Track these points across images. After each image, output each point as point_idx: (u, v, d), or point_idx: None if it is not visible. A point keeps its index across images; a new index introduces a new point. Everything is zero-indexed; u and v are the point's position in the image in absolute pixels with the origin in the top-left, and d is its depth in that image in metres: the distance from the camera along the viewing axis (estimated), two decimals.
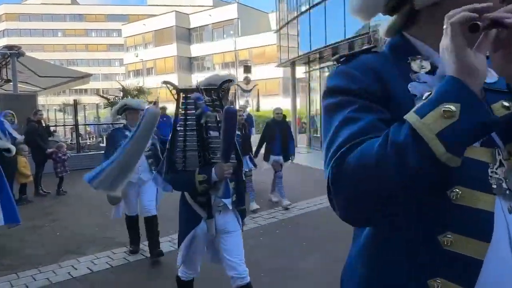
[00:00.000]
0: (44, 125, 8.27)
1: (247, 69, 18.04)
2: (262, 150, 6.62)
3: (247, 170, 5.98)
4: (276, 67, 22.27)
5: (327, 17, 13.00)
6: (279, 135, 6.39)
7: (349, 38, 11.76)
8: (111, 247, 4.54)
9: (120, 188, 3.44)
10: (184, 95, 2.48)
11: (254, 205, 6.07)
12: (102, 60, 61.85)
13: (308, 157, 12.80)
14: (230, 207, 2.51)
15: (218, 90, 2.48)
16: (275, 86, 35.00)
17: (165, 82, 2.50)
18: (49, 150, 7.51)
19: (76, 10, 62.39)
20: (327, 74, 14.78)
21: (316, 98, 15.97)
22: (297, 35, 16.04)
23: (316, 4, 13.66)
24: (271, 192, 6.69)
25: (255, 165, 6.31)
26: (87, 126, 18.60)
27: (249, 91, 16.04)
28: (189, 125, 2.45)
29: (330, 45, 12.71)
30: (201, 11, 41.11)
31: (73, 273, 3.84)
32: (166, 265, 3.99)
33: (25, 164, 6.99)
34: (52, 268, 3.94)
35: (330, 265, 3.88)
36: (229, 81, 2.54)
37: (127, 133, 4.09)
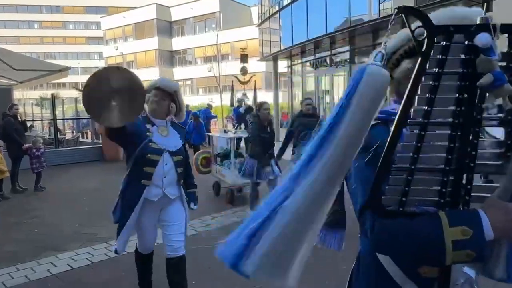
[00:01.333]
0: (20, 119, 8.00)
1: (244, 59, 15.68)
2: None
3: (272, 178, 5.36)
4: (258, 61, 22.22)
5: (308, 11, 13.05)
6: (310, 131, 5.00)
7: (330, 33, 11.84)
8: (91, 243, 4.49)
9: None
10: (443, 42, 0.96)
11: None
12: (81, 53, 60.45)
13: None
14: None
15: None
16: (258, 81, 34.82)
17: (404, 9, 0.99)
18: (25, 146, 7.31)
19: (53, 2, 60.57)
20: (309, 68, 14.90)
21: (298, 92, 16.04)
22: (279, 29, 16.05)
23: None
24: None
25: (280, 171, 5.44)
26: (68, 120, 18.22)
27: (247, 82, 14.44)
28: (438, 114, 0.98)
29: (312, 39, 12.78)
30: (182, 4, 40.55)
31: (52, 270, 3.78)
32: None
33: (0, 160, 6.81)
34: (31, 266, 3.88)
35: (311, 263, 3.93)
36: None
37: (148, 126, 2.78)
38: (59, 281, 3.55)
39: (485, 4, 8.00)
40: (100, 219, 5.41)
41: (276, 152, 5.59)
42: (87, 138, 15.89)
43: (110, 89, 2.33)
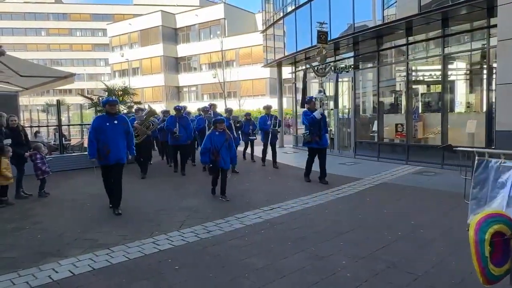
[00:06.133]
0: (21, 128, 7.71)
1: (323, 37, 9.48)
2: None
3: None
4: (263, 67, 22.26)
5: (312, 17, 13.06)
6: None
7: (334, 39, 11.83)
8: (93, 249, 4.46)
9: None
10: None
11: None
12: (87, 60, 61.07)
13: (295, 157, 12.82)
14: None
15: None
16: (262, 86, 35.05)
17: None
18: (27, 154, 7.31)
19: (60, 9, 61.41)
20: (312, 74, 14.87)
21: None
22: (283, 35, 16.08)
23: (302, 5, 13.72)
24: None
25: None
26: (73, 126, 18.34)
27: (324, 74, 9.34)
28: None
29: (315, 45, 12.76)
30: (187, 11, 40.89)
31: (53, 276, 3.75)
32: (149, 266, 3.95)
33: (7, 166, 6.82)
34: (32, 272, 3.86)
35: (315, 264, 3.89)
36: None
37: None
38: None
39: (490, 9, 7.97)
40: (102, 225, 5.40)
41: None
42: None
43: None
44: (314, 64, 9.94)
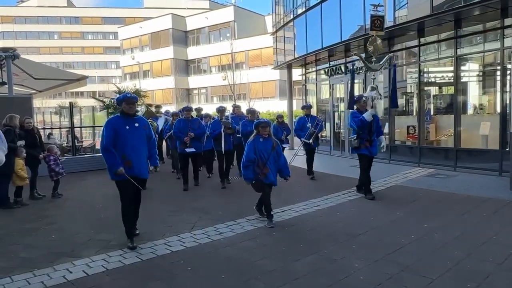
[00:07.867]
0: (35, 130, 7.82)
1: (377, 23, 7.65)
2: None
3: None
4: (273, 70, 22.26)
5: (323, 19, 13.04)
6: None
7: (345, 41, 11.80)
8: (106, 249, 4.51)
9: None
10: None
11: None
12: (99, 63, 61.78)
13: (306, 160, 12.73)
14: None
15: None
16: (272, 89, 35.03)
17: None
18: (41, 156, 7.43)
19: (72, 13, 62.28)
20: (323, 76, 14.84)
21: (313, 100, 15.97)
22: (294, 37, 16.07)
23: (312, 7, 13.70)
24: None
25: None
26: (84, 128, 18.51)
27: (378, 68, 7.58)
28: None
29: (326, 47, 12.74)
30: (197, 14, 41.11)
31: (68, 276, 3.80)
32: (162, 268, 3.97)
33: (22, 167, 6.92)
34: (47, 272, 3.90)
35: (327, 267, 3.87)
36: None
37: None
38: None
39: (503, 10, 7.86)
40: (115, 226, 5.44)
41: None
42: None
43: None
44: (364, 55, 8.68)
